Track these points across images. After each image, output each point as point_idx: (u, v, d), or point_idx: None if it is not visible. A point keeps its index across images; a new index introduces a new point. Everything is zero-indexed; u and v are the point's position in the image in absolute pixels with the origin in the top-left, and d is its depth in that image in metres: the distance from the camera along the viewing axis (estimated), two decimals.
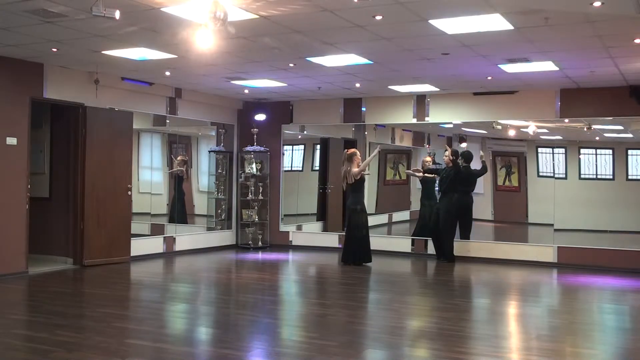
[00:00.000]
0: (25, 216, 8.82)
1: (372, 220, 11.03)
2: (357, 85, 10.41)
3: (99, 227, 9.70)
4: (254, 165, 12.37)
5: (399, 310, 7.12)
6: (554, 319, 6.90)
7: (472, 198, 11.00)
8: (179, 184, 12.32)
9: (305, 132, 13.11)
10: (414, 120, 11.59)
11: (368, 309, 7.47)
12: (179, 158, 12.24)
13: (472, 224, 11.13)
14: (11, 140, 8.63)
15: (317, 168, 13.57)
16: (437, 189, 11.42)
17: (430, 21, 6.41)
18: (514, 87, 10.38)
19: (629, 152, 11.42)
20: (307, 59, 8.33)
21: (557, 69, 8.68)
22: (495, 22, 6.40)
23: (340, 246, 11.35)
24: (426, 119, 11.47)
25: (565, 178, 11.56)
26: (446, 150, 11.00)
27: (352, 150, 10.45)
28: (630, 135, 11.43)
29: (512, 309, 7.62)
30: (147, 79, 10.27)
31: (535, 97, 10.62)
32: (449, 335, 5.82)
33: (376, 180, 13.02)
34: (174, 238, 11.36)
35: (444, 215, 10.73)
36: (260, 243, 12.41)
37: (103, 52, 8.10)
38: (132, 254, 10.22)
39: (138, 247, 10.45)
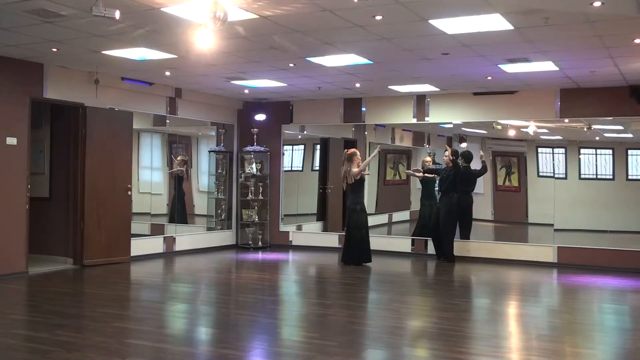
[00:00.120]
0: (25, 216, 8.82)
1: (372, 220, 11.03)
2: (357, 85, 10.41)
3: (99, 227, 9.70)
4: (254, 165, 12.37)
5: (399, 310, 7.12)
6: (554, 319, 6.90)
7: (472, 198, 11.01)
8: (179, 184, 12.32)
9: (305, 132, 13.11)
10: (414, 120, 11.59)
11: (368, 309, 7.47)
12: (179, 158, 12.23)
13: (472, 224, 11.14)
14: (11, 140, 8.63)
15: (317, 168, 13.57)
16: (437, 189, 11.42)
17: (430, 21, 6.41)
18: (513, 87, 10.38)
19: (629, 152, 11.42)
20: (307, 59, 8.33)
21: (557, 69, 8.68)
22: (495, 22, 6.40)
23: (340, 246, 11.35)
24: (426, 119, 11.47)
25: (565, 178, 11.56)
26: (446, 150, 11.01)
27: (352, 150, 10.45)
28: (630, 135, 11.42)
29: (512, 309, 7.62)
30: (147, 79, 10.28)
31: (535, 97, 10.62)
32: (449, 335, 5.82)
33: (376, 180, 13.01)
34: (174, 238, 11.36)
35: (444, 215, 10.73)
36: (260, 243, 12.41)
37: (103, 52, 8.10)
38: (132, 254, 10.22)
39: (138, 247, 10.45)
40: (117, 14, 5.59)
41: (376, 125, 12.35)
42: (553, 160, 11.80)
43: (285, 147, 12.91)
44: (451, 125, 11.88)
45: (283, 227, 12.65)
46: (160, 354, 5.18)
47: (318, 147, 13.52)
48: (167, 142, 12.22)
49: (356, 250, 10.17)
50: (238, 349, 5.35)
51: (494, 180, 12.44)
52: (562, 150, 11.74)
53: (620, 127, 11.25)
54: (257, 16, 6.26)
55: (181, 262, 10.59)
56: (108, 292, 7.97)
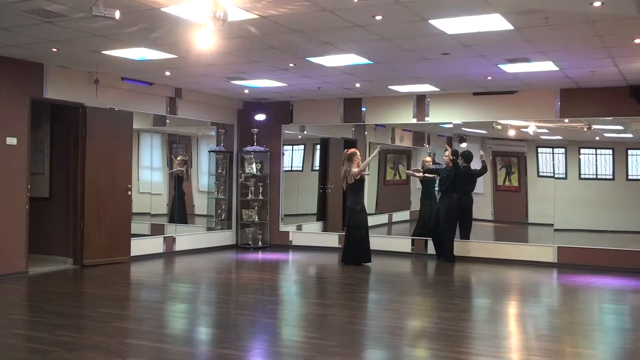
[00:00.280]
0: (25, 216, 8.82)
1: (372, 220, 11.03)
2: (357, 85, 10.41)
3: (99, 227, 9.70)
4: (254, 165, 12.37)
5: (399, 310, 7.11)
6: (554, 319, 6.90)
7: (472, 198, 11.01)
8: (179, 184, 12.32)
9: (305, 132, 13.11)
10: (414, 120, 11.59)
11: (368, 309, 7.47)
12: (179, 158, 12.24)
13: (472, 223, 11.14)
14: (11, 140, 8.63)
15: (317, 168, 13.56)
16: (437, 189, 11.42)
17: (430, 21, 6.41)
18: (513, 87, 10.38)
19: (629, 152, 11.41)
20: (307, 59, 8.33)
21: (557, 69, 8.68)
22: (495, 22, 6.40)
23: (340, 246, 11.35)
24: (426, 119, 11.47)
25: (565, 178, 11.55)
26: (446, 150, 11.01)
27: (352, 150, 10.45)
28: (630, 135, 11.42)
29: (512, 309, 7.62)
30: (147, 79, 10.28)
31: (535, 97, 10.62)
32: (449, 335, 5.81)
33: (376, 180, 13.02)
34: (174, 238, 11.36)
35: (444, 215, 10.73)
36: (260, 243, 12.41)
37: (103, 52, 8.10)
38: (132, 254, 10.22)
39: (138, 247, 10.45)
40: (117, 14, 5.59)
41: (376, 125, 12.35)
42: (553, 160, 11.80)
43: (285, 147, 12.91)
44: (451, 125, 11.88)
45: (283, 227, 12.65)
46: (160, 354, 5.18)
47: (318, 147, 13.52)
48: (167, 142, 12.22)
49: (356, 250, 10.17)
50: (238, 349, 5.35)
51: (494, 180, 12.43)
52: (562, 150, 11.74)
53: (620, 127, 11.25)
54: (257, 16, 6.26)
55: (181, 262, 10.59)
56: (108, 292, 7.97)
